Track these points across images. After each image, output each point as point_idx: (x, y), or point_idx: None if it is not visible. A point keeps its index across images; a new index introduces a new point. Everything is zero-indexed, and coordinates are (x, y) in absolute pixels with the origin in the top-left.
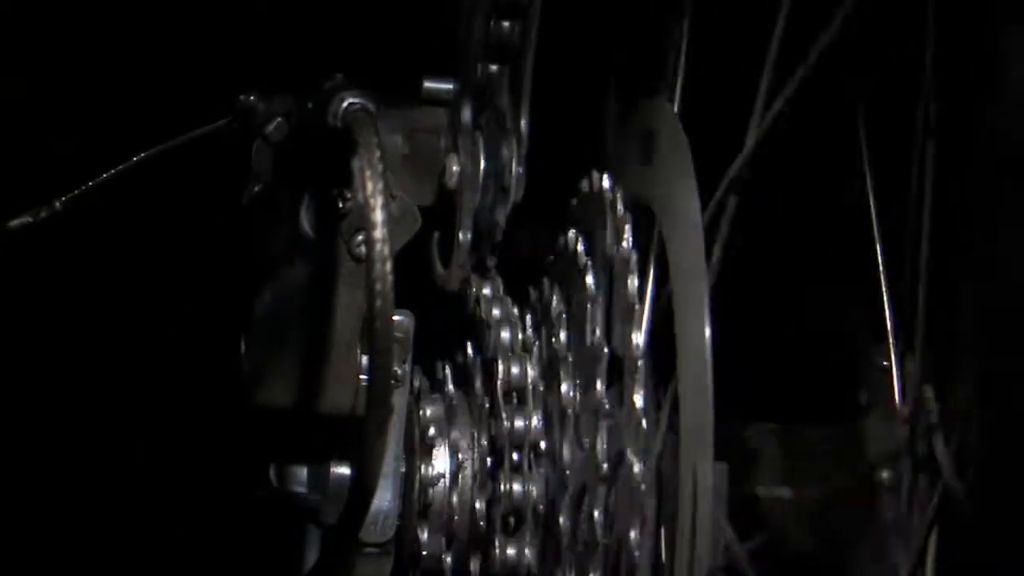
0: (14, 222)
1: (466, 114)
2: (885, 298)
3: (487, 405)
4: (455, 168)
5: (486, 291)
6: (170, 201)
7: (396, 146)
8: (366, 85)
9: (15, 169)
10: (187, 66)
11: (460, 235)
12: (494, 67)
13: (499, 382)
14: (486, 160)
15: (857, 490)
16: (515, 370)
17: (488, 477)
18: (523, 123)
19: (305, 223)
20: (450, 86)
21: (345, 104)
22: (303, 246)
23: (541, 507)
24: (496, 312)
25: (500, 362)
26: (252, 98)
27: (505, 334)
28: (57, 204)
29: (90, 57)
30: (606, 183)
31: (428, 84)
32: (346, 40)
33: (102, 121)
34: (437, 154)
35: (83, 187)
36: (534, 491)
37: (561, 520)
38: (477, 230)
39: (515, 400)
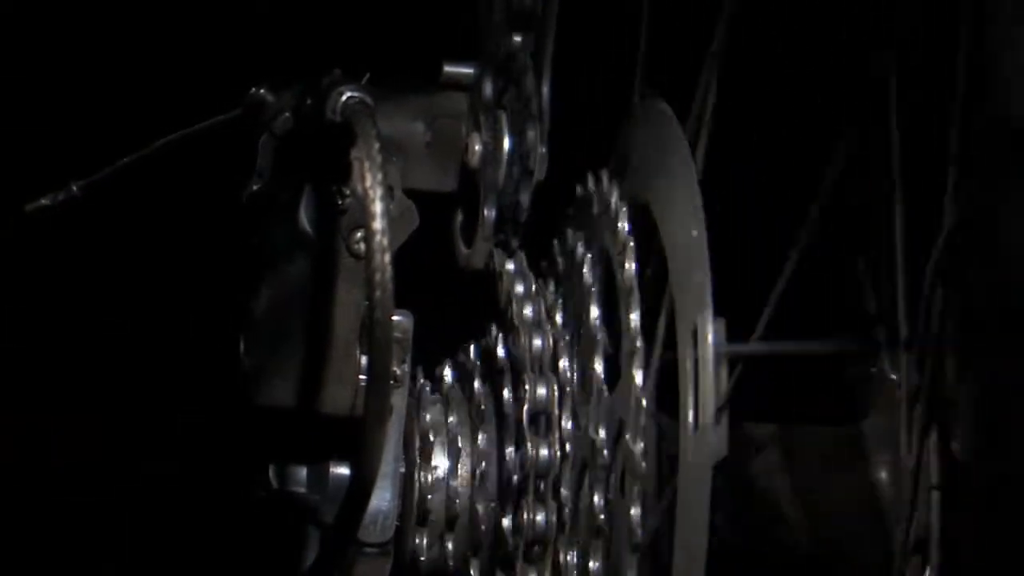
0: (30, 205)
1: (488, 92)
2: (898, 297)
3: (491, 403)
4: (477, 147)
5: (509, 267)
6: (171, 198)
7: (418, 133)
8: (386, 71)
9: (26, 157)
10: (201, 56)
11: (484, 211)
12: (516, 42)
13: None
14: (510, 139)
15: (856, 490)
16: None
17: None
18: (545, 101)
19: (304, 220)
20: (471, 70)
21: (344, 98)
22: (302, 243)
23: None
24: (520, 288)
25: (523, 335)
26: (262, 91)
27: (528, 310)
28: (74, 188)
29: (90, 51)
30: (607, 183)
31: (448, 68)
32: (364, 26)
33: (103, 117)
34: (460, 140)
35: (100, 173)
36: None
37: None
38: (500, 209)
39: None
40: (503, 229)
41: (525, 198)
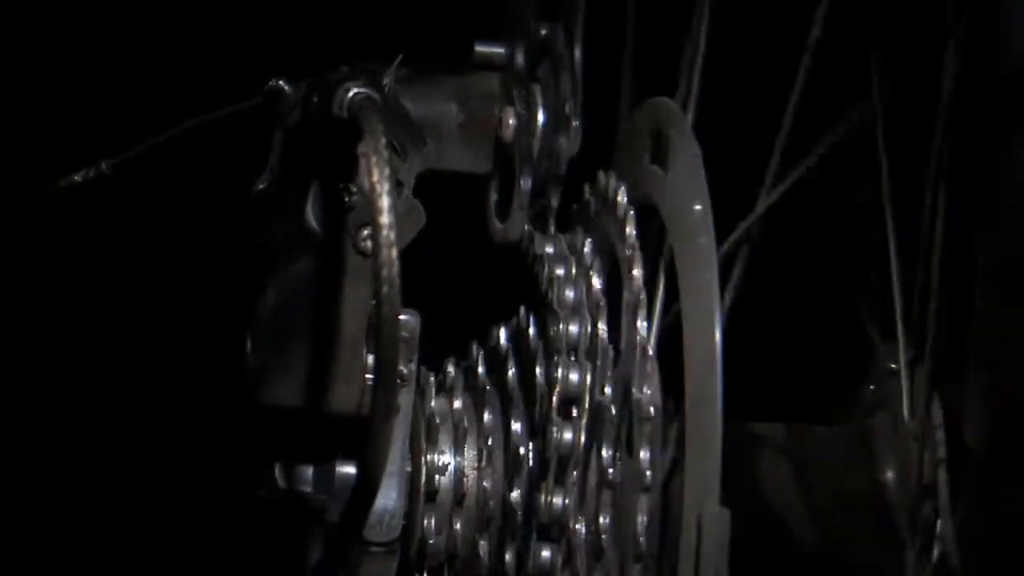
0: (63, 181)
1: (521, 64)
2: (896, 300)
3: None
4: (511, 120)
5: (549, 249)
6: (176, 195)
7: (451, 114)
8: (417, 53)
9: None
10: (222, 46)
11: (520, 180)
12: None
13: (561, 350)
14: (543, 111)
15: (863, 490)
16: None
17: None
18: (579, 74)
19: (311, 217)
20: (502, 49)
21: (351, 94)
22: (309, 241)
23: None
24: (559, 271)
25: (562, 322)
26: (280, 83)
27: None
28: (104, 166)
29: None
30: (614, 184)
31: (480, 48)
32: (395, 9)
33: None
34: (493, 119)
35: (130, 152)
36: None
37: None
38: (535, 182)
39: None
40: (538, 200)
41: (560, 171)
